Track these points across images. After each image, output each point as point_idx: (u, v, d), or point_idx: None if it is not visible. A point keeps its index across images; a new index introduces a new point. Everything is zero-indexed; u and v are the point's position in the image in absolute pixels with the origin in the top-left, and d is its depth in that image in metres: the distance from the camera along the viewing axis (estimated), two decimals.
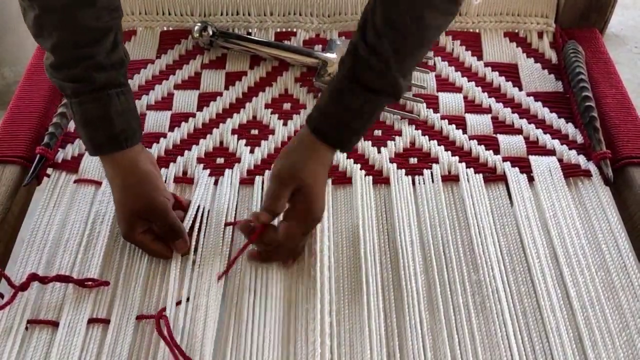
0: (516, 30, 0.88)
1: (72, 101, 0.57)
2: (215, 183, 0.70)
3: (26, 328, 0.57)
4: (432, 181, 0.70)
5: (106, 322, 0.57)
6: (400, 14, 0.54)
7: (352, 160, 0.72)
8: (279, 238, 0.59)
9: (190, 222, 0.63)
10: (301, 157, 0.59)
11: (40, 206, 0.67)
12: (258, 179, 0.70)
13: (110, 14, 0.57)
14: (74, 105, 0.57)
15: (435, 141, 0.74)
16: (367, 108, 0.58)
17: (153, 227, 0.61)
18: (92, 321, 0.57)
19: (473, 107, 0.79)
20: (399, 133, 0.75)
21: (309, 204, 0.59)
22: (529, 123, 0.76)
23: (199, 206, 0.65)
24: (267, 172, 0.70)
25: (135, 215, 0.60)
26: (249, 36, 0.86)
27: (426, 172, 0.71)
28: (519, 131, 0.76)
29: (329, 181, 0.69)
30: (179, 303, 0.58)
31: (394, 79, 0.56)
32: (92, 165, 0.71)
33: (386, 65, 0.55)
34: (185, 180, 0.70)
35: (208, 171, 0.71)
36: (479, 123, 0.76)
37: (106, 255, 0.63)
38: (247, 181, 0.70)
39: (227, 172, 0.70)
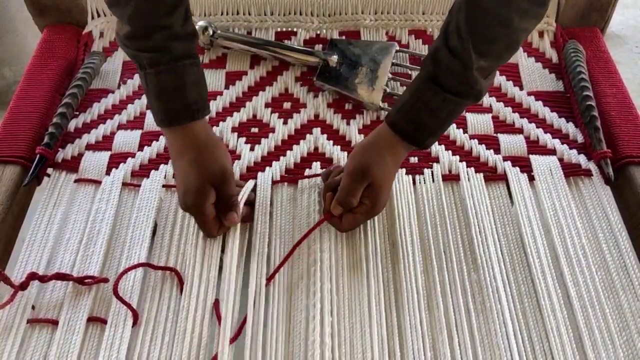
0: None
1: (146, 72, 0.57)
2: None
3: (29, 320, 0.57)
4: (433, 180, 0.70)
5: (105, 321, 0.57)
6: (487, 18, 0.53)
7: None
8: (342, 228, 0.63)
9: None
10: (377, 155, 0.60)
11: (40, 206, 0.67)
12: (260, 175, 0.70)
13: None
14: (149, 75, 0.57)
15: None
16: (446, 109, 0.58)
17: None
18: (91, 320, 0.57)
19: (473, 106, 0.78)
20: None
21: (375, 200, 0.61)
22: (530, 122, 0.76)
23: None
24: (267, 169, 0.71)
25: (209, 182, 0.60)
26: (249, 36, 0.86)
27: (427, 171, 0.71)
28: (519, 130, 0.76)
29: None
30: None
31: (475, 82, 0.56)
32: (92, 165, 0.71)
33: (468, 68, 0.55)
34: None
35: None
36: (480, 122, 0.76)
37: (107, 254, 0.63)
38: (246, 178, 0.70)
39: None
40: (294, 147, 0.74)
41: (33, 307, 0.58)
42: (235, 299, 0.58)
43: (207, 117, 0.62)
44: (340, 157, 0.72)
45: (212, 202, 0.61)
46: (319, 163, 0.72)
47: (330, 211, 0.62)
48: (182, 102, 0.58)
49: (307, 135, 0.75)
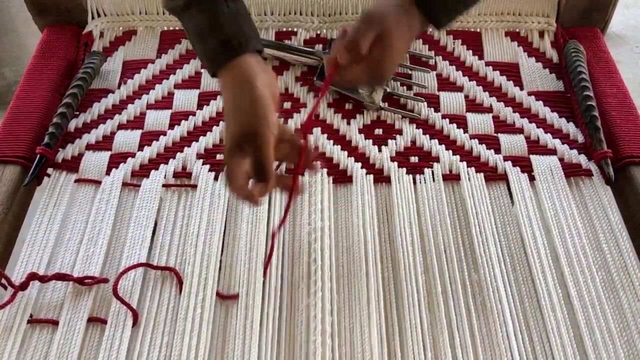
0: (517, 30, 0.88)
1: (184, 17, 0.57)
2: (216, 178, 0.69)
3: (29, 321, 0.57)
4: (433, 180, 0.70)
5: (105, 321, 0.57)
6: None
7: (352, 159, 0.72)
8: (345, 77, 0.60)
9: None
10: (395, 13, 0.58)
11: (40, 206, 0.67)
12: None
13: None
14: (185, 21, 0.57)
15: (436, 140, 0.74)
16: None
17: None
18: (91, 320, 0.57)
19: (474, 106, 0.79)
20: (400, 132, 0.75)
21: (384, 54, 0.58)
22: (530, 122, 0.76)
23: None
24: None
25: (236, 139, 0.54)
26: None
27: (427, 171, 0.71)
28: (519, 130, 0.76)
29: (330, 179, 0.70)
30: None
31: None
32: (92, 165, 0.71)
33: None
34: (184, 174, 0.70)
35: (208, 166, 0.71)
36: (480, 122, 0.76)
37: (107, 254, 0.63)
38: None
39: None
40: None
41: (31, 316, 0.58)
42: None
43: (257, 60, 0.56)
44: (340, 156, 0.72)
45: (240, 158, 0.54)
46: (318, 163, 0.71)
47: (336, 60, 0.58)
48: (218, 39, 0.55)
49: (307, 135, 0.75)
